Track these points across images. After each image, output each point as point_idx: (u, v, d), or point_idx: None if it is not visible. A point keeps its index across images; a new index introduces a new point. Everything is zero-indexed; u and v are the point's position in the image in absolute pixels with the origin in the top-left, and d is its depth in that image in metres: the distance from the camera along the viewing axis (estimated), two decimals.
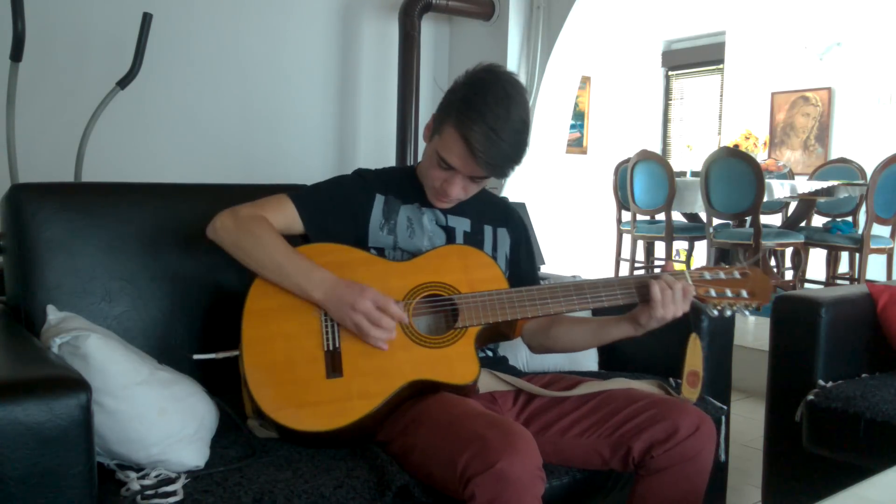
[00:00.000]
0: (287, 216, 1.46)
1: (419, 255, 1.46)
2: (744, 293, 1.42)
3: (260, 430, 1.38)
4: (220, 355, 1.38)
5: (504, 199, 1.74)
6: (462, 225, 1.56)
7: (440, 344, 1.36)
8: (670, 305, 1.37)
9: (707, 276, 1.44)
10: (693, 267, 1.48)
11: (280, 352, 1.33)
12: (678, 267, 1.46)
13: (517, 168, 1.46)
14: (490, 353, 1.54)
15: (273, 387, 1.31)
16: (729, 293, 1.42)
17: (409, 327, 1.36)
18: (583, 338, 1.54)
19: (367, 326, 1.30)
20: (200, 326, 1.60)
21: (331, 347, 1.34)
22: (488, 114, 1.37)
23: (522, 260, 1.64)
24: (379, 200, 1.53)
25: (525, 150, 1.44)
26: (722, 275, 1.44)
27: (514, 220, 1.66)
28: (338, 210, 1.50)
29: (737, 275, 1.44)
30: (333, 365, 1.32)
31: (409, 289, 1.39)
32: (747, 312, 1.43)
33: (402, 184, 1.56)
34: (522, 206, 2.89)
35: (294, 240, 1.44)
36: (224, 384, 1.50)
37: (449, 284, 1.41)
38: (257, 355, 1.33)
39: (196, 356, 1.38)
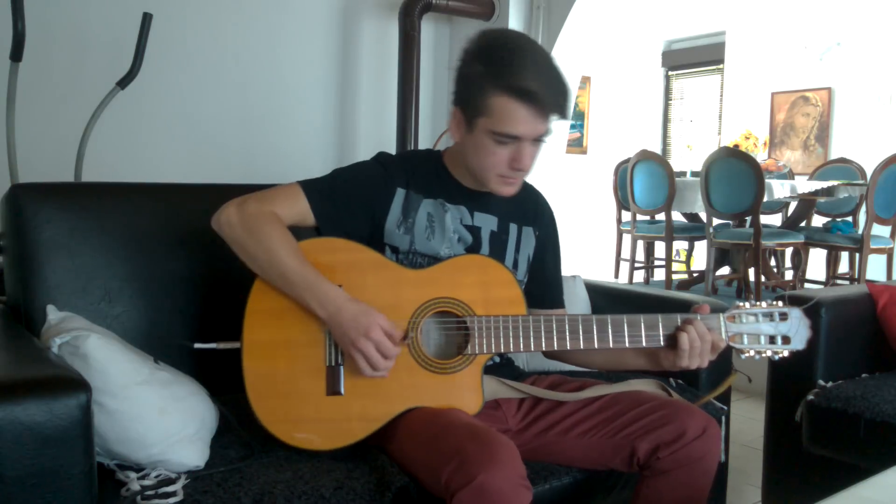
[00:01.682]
0: (298, 209, 1.36)
1: (436, 259, 1.39)
2: (779, 339, 1.35)
3: None
4: (221, 346, 1.36)
5: (537, 193, 1.59)
6: (489, 224, 1.46)
7: (446, 369, 1.31)
8: (696, 358, 1.32)
9: (744, 318, 1.35)
10: (729, 311, 1.37)
11: (282, 359, 1.30)
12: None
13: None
14: (497, 360, 1.48)
15: (272, 398, 1.29)
16: (763, 341, 1.35)
17: (416, 348, 1.31)
18: (597, 362, 1.51)
19: (364, 366, 1.25)
20: (200, 326, 1.59)
21: (333, 363, 1.30)
22: (527, 60, 1.28)
23: (548, 261, 1.56)
24: (399, 195, 1.42)
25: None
26: (760, 315, 1.36)
27: (543, 218, 1.57)
28: (353, 204, 1.39)
29: (776, 315, 1.36)
30: (334, 382, 1.29)
31: (421, 302, 1.32)
32: (777, 358, 1.36)
33: (428, 174, 1.45)
34: None
35: (306, 232, 1.38)
36: (225, 384, 1.50)
37: (464, 302, 1.33)
38: (259, 360, 1.30)
39: (197, 345, 1.36)
